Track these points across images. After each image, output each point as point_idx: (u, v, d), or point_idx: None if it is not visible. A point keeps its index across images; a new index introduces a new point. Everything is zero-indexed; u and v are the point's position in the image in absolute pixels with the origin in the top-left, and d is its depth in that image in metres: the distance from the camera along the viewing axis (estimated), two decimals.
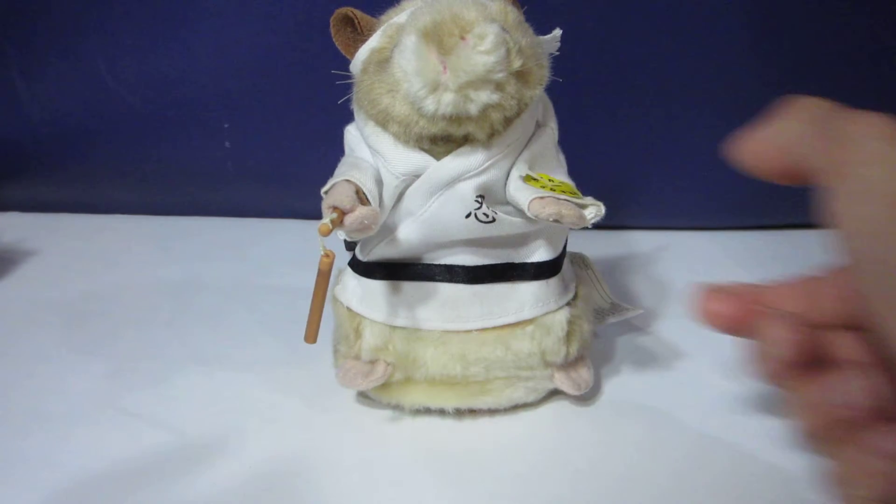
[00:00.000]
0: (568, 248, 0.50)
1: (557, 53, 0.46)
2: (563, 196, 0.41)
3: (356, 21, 0.45)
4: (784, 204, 0.75)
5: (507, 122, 0.42)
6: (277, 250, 0.74)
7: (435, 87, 0.39)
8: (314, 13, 0.65)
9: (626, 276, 0.67)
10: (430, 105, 0.39)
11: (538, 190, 0.42)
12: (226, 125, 0.74)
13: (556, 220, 0.41)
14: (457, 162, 0.42)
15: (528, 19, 0.45)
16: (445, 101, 0.39)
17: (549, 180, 0.43)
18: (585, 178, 0.46)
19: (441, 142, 0.42)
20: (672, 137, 0.72)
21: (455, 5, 0.39)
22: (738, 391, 0.51)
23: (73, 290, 0.66)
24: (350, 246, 0.48)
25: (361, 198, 0.42)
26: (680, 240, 0.74)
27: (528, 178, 0.43)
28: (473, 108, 0.39)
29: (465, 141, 0.42)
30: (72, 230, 0.78)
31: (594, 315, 0.54)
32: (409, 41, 0.39)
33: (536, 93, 0.42)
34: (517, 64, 0.40)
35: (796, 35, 0.68)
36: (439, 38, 0.38)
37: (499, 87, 0.39)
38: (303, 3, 0.68)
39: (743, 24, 0.68)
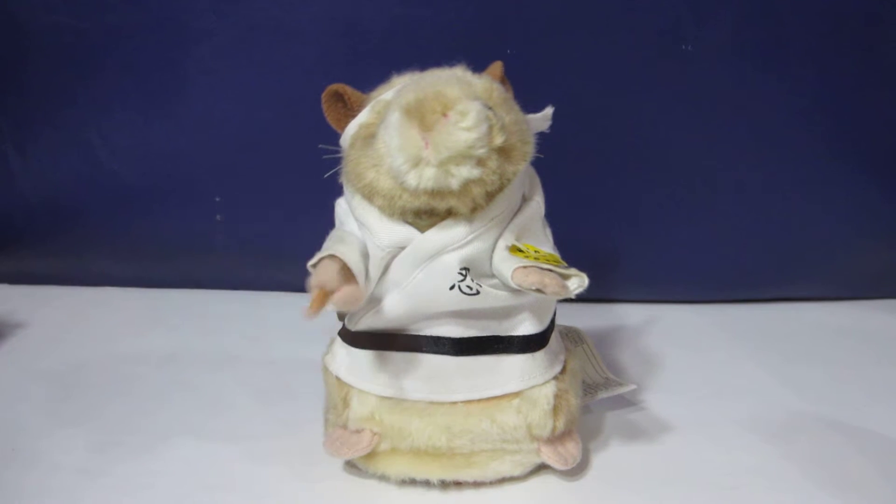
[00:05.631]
0: (561, 322, 0.50)
1: (549, 131, 0.47)
2: (546, 266, 0.42)
3: (346, 97, 0.46)
4: (771, 278, 0.76)
5: (490, 196, 0.43)
6: (267, 323, 0.73)
7: (416, 163, 0.40)
8: (304, 89, 0.66)
9: (615, 350, 0.67)
10: (411, 179, 0.40)
11: (522, 260, 0.42)
12: (217, 199, 0.75)
13: (538, 290, 0.41)
14: (440, 234, 0.43)
15: (517, 96, 0.46)
16: (427, 176, 0.40)
17: (535, 251, 0.44)
18: (573, 252, 0.46)
19: (425, 215, 0.43)
20: (660, 211, 0.73)
21: (439, 83, 0.41)
22: (729, 466, 0.50)
23: (61, 362, 0.65)
24: (341, 315, 0.49)
25: (347, 273, 0.42)
26: (668, 313, 0.75)
27: (513, 249, 0.44)
28: (454, 183, 0.40)
29: (448, 214, 0.43)
30: (61, 302, 0.78)
31: (585, 389, 0.54)
32: (393, 118, 0.41)
33: (519, 168, 0.43)
34: (499, 140, 0.41)
35: (783, 104, 0.70)
36: (421, 115, 0.40)
37: (480, 162, 0.40)
38: (292, 79, 0.69)
39: (730, 97, 0.69)
